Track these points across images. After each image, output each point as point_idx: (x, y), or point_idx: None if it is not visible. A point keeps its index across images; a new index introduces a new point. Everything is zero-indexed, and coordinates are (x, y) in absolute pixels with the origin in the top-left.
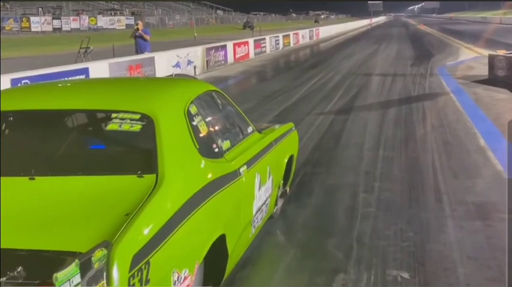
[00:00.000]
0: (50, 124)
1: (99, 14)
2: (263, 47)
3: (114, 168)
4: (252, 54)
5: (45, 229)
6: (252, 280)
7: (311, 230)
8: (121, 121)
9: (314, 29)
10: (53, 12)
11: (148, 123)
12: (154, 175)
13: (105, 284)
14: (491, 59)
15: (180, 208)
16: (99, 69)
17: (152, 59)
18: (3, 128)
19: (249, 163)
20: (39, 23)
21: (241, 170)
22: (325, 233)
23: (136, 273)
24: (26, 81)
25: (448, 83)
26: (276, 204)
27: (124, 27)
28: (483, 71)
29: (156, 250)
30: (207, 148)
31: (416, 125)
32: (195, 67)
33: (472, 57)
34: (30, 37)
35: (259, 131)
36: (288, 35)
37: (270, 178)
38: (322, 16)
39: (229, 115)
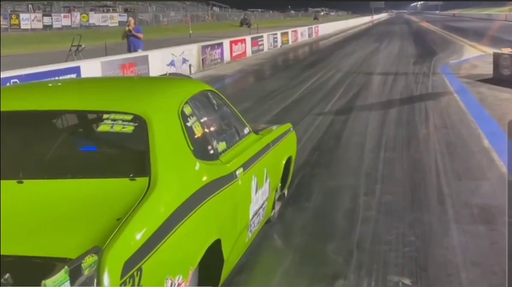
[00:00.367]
0: (39, 125)
1: (91, 10)
2: (260, 45)
3: (105, 171)
4: (249, 53)
5: (33, 235)
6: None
7: (310, 234)
8: (113, 122)
9: (313, 26)
10: (43, 9)
11: (140, 124)
12: (147, 178)
13: None
14: (496, 58)
15: (173, 212)
16: (91, 68)
17: (146, 57)
18: None
19: (246, 165)
20: (29, 20)
21: (237, 172)
22: (324, 237)
23: (128, 280)
24: (15, 80)
25: (451, 82)
26: (273, 207)
27: (117, 25)
28: (488, 69)
29: (148, 256)
30: (201, 150)
31: (418, 126)
32: (190, 66)
33: (476, 56)
34: (19, 35)
35: (256, 132)
36: (287, 33)
37: (267, 181)
38: (322, 13)
39: (225, 116)
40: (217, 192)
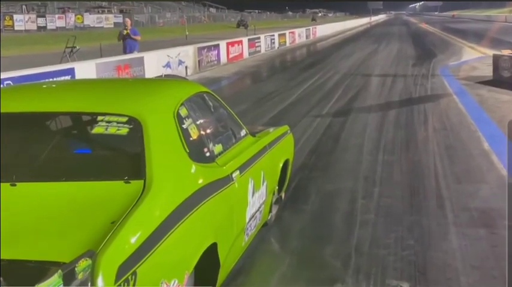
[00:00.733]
0: (32, 127)
1: (86, 12)
2: (258, 46)
3: (99, 173)
4: (246, 54)
5: (26, 238)
6: None
7: (307, 237)
8: (107, 124)
9: (311, 27)
10: (37, 10)
11: (135, 126)
12: (142, 181)
13: None
14: (496, 59)
15: (168, 216)
16: (85, 69)
17: (141, 59)
18: None
19: (242, 168)
20: (22, 21)
21: (233, 175)
22: (322, 241)
23: (122, 284)
24: (9, 82)
25: (450, 84)
26: (270, 210)
27: (112, 26)
28: (487, 71)
29: (143, 260)
30: (197, 152)
31: (417, 128)
32: (186, 67)
33: (476, 57)
34: (13, 36)
35: (253, 135)
36: (284, 34)
37: (264, 184)
38: (320, 14)
39: (221, 118)
40: (213, 195)
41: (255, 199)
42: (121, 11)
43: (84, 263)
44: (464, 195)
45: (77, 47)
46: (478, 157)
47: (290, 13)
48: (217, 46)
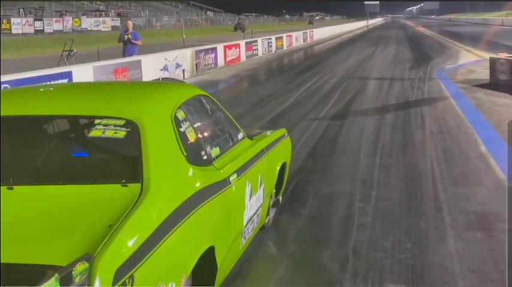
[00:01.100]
0: (30, 130)
1: (83, 15)
2: (255, 49)
3: (97, 177)
4: (243, 57)
5: (24, 242)
6: None
7: (305, 241)
8: (104, 127)
9: (308, 30)
10: (34, 13)
11: (133, 129)
12: (139, 184)
13: None
14: (493, 63)
15: (166, 219)
16: (83, 72)
17: (139, 62)
18: None
19: (239, 171)
20: (20, 25)
21: (231, 178)
22: (319, 244)
23: None
24: (6, 85)
25: (447, 88)
26: (267, 214)
27: (109, 29)
28: (484, 74)
29: (140, 263)
30: (195, 156)
31: (414, 131)
32: (183, 71)
33: (473, 61)
34: (10, 39)
35: (250, 138)
36: (281, 37)
37: (262, 187)
38: (317, 17)
39: (219, 121)
40: (210, 198)
41: (253, 202)
42: (118, 15)
43: (81, 266)
44: (461, 198)
45: (75, 51)
46: (475, 160)
47: (287, 16)
48: (214, 49)
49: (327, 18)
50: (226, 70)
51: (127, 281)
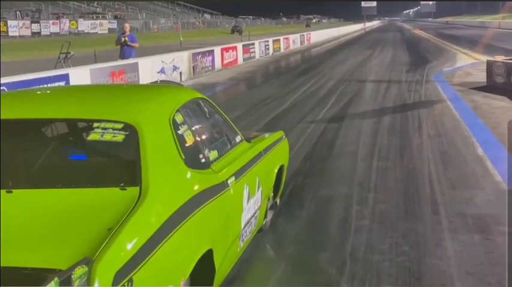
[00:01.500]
0: (28, 134)
1: (80, 17)
2: (252, 52)
3: (95, 180)
4: (240, 60)
5: (23, 245)
6: None
7: (302, 244)
8: (103, 131)
9: (305, 33)
10: (31, 15)
11: (131, 133)
12: (138, 188)
13: None
14: (490, 65)
15: (164, 222)
16: (80, 75)
17: (136, 64)
18: None
19: (237, 174)
20: (17, 27)
21: (229, 181)
22: (317, 247)
23: None
24: (3, 88)
25: (444, 90)
26: (265, 216)
27: (106, 32)
28: (481, 77)
29: (139, 267)
30: (193, 159)
31: (411, 134)
32: (180, 73)
33: (470, 63)
34: (7, 42)
35: (248, 140)
36: (278, 40)
37: (259, 190)
38: (314, 20)
39: (217, 124)
40: (208, 201)
41: (250, 204)
42: (115, 17)
43: (80, 270)
44: (458, 201)
45: (71, 53)
46: (472, 163)
47: (284, 19)
48: (211, 52)
49: (324, 21)
50: (224, 73)
51: (126, 284)
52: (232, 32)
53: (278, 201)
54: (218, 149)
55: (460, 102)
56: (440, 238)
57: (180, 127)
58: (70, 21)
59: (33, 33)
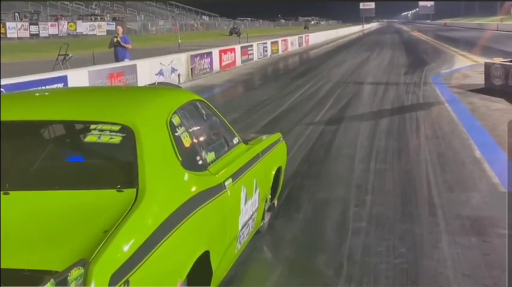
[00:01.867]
0: (25, 136)
1: (78, 19)
2: (250, 54)
3: (92, 182)
4: (238, 62)
5: (19, 247)
6: None
7: (300, 246)
8: (100, 133)
9: (303, 35)
10: (30, 17)
11: (128, 135)
12: (135, 189)
13: None
14: (488, 67)
15: (161, 224)
16: (78, 77)
17: (134, 66)
18: None
19: (235, 176)
20: (15, 29)
21: (226, 183)
22: (314, 249)
23: None
24: (1, 90)
25: (442, 92)
26: (263, 218)
27: (105, 33)
28: (479, 79)
29: (136, 268)
30: (190, 160)
31: (409, 136)
32: (179, 75)
33: (468, 66)
34: (5, 43)
35: (246, 142)
36: (277, 42)
37: (257, 191)
38: (312, 22)
39: (214, 126)
40: (205, 203)
41: (248, 206)
42: (114, 19)
43: (76, 272)
44: (456, 203)
45: (70, 55)
46: (470, 165)
47: (283, 21)
48: (209, 54)
49: (323, 22)
50: (222, 75)
51: (122, 286)
52: (231, 34)
53: (276, 203)
54: (215, 151)
55: (458, 104)
56: (437, 240)
57: (177, 129)
58: (68, 23)
59: (32, 35)
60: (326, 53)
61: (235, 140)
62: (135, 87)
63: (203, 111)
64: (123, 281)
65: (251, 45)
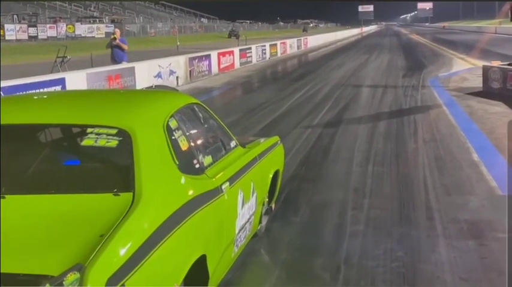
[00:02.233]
0: (22, 139)
1: (77, 21)
2: (249, 56)
3: (89, 186)
4: (237, 64)
5: (15, 251)
6: None
7: (297, 249)
8: (97, 136)
9: (302, 38)
10: (28, 19)
11: (125, 138)
12: (131, 193)
13: None
14: (486, 71)
15: (158, 228)
16: (76, 79)
17: (132, 69)
18: None
19: (232, 179)
20: (14, 31)
21: (223, 187)
22: (311, 252)
23: None
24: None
25: (440, 95)
26: (260, 222)
27: (103, 36)
28: (477, 82)
29: (132, 273)
30: (187, 164)
31: (407, 139)
32: (177, 78)
33: (466, 69)
34: (4, 45)
35: (243, 146)
36: (275, 45)
37: (254, 195)
38: (311, 25)
39: (211, 129)
40: (202, 207)
41: (245, 210)
42: (112, 21)
43: (72, 276)
44: (453, 207)
45: (68, 57)
46: (468, 169)
47: (281, 23)
48: (208, 56)
49: (321, 25)
50: (220, 77)
51: None
52: (230, 36)
53: (273, 206)
54: (212, 155)
55: (455, 107)
56: (434, 244)
57: (174, 133)
58: (67, 25)
59: (30, 37)
60: (324, 56)
61: (233, 144)
62: (132, 90)
63: (200, 115)
64: (119, 285)
65: (250, 48)
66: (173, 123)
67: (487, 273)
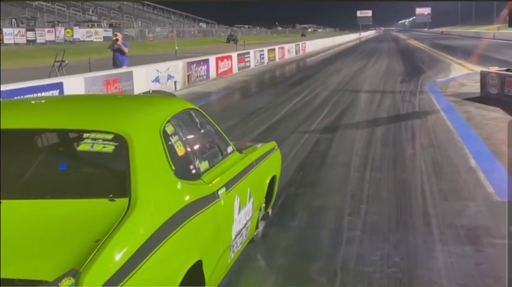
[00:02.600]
0: (18, 144)
1: (75, 26)
2: (247, 61)
3: (84, 191)
4: (235, 69)
5: (10, 256)
6: None
7: (294, 254)
8: (93, 141)
9: (300, 43)
10: (26, 23)
11: (121, 144)
12: (127, 199)
13: None
14: (484, 76)
15: (153, 233)
16: (74, 84)
17: (130, 73)
18: None
19: (228, 185)
20: (12, 35)
21: (219, 192)
22: (308, 258)
23: None
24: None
25: (438, 101)
26: (257, 227)
27: (102, 40)
28: (475, 88)
29: (127, 278)
30: (183, 170)
31: (405, 145)
32: (175, 82)
33: (464, 74)
34: (2, 49)
35: (240, 151)
36: (274, 49)
37: (251, 200)
38: (309, 30)
39: (208, 134)
40: (198, 212)
41: (241, 215)
42: (111, 25)
43: (67, 282)
44: (450, 212)
45: (66, 61)
46: (465, 174)
47: (280, 28)
48: (206, 61)
49: (320, 30)
50: (218, 82)
51: None
52: (228, 41)
53: (270, 211)
54: (209, 160)
55: (453, 113)
56: (431, 250)
57: (170, 138)
58: (65, 29)
59: (28, 41)
60: (323, 61)
61: (229, 149)
62: (129, 95)
63: (197, 120)
64: None
65: (248, 53)
66: (170, 129)
67: (484, 279)
